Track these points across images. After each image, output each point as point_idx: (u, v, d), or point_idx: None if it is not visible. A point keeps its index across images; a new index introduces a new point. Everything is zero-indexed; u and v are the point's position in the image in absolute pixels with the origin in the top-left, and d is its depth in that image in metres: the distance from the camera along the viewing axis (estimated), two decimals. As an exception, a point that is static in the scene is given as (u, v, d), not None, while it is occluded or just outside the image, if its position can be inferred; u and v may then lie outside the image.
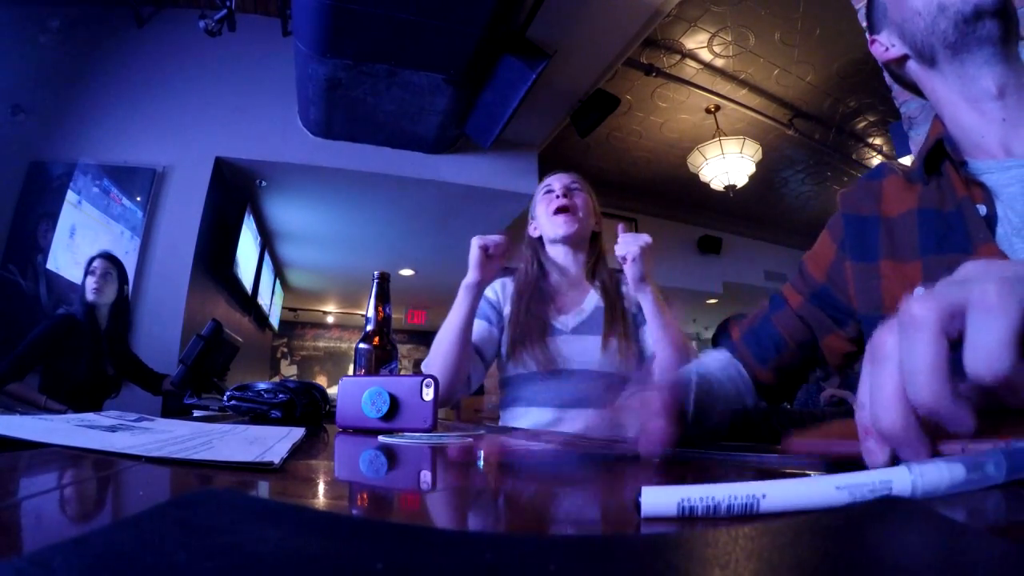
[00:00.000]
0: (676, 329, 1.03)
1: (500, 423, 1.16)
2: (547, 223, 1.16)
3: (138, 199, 2.83)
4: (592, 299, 1.13)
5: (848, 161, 4.67)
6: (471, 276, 0.99)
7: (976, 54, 0.56)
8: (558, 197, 1.14)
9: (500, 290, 1.18)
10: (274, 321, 5.44)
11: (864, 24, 0.74)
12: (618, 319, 1.09)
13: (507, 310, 1.15)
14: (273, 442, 0.41)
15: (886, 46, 0.65)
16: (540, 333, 1.08)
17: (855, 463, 0.27)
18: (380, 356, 0.82)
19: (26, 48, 2.74)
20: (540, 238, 1.20)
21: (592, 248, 1.20)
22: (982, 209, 0.55)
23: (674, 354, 1.00)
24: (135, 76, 2.96)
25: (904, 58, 0.64)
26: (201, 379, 1.66)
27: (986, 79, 0.57)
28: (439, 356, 1.00)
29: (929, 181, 0.61)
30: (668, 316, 1.02)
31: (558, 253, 1.17)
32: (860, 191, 0.69)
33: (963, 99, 0.59)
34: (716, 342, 2.23)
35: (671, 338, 1.01)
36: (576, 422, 1.03)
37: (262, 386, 0.78)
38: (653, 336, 1.04)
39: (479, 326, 1.13)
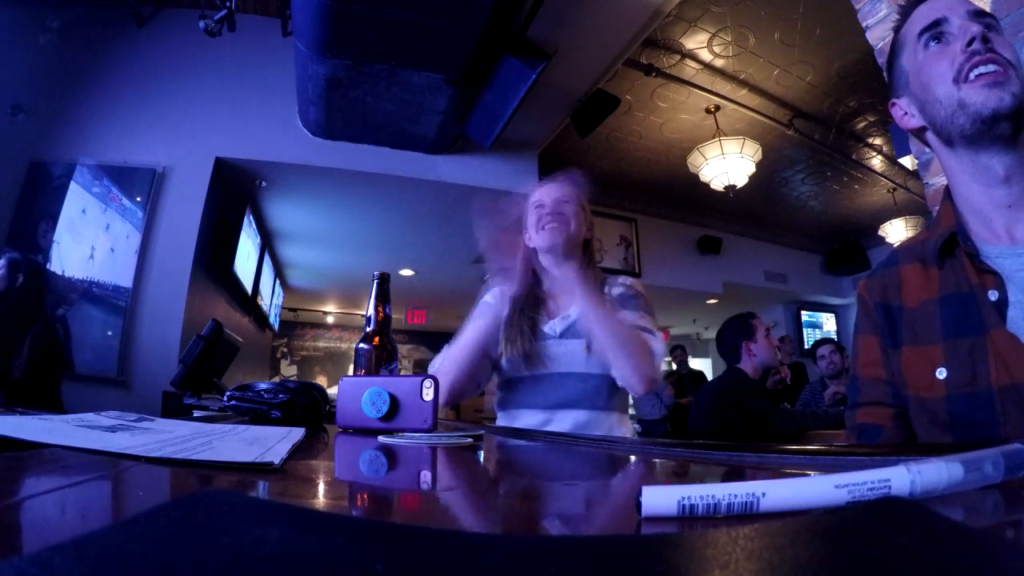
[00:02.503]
0: (615, 324, 1.01)
1: (496, 424, 1.18)
2: (535, 235, 1.18)
3: (138, 199, 2.83)
4: None
5: (848, 161, 4.67)
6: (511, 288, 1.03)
7: (989, 148, 0.61)
8: (547, 215, 1.15)
9: (499, 296, 1.22)
10: (274, 321, 5.44)
11: (885, 77, 0.76)
12: None
13: (504, 314, 1.18)
14: (273, 442, 0.41)
15: (905, 112, 0.69)
16: (530, 338, 1.11)
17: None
18: (380, 356, 0.82)
19: (26, 48, 2.74)
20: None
21: (583, 254, 1.21)
22: (993, 295, 0.59)
23: (624, 359, 0.99)
24: (135, 76, 2.95)
25: (923, 128, 0.68)
26: (201, 379, 1.65)
27: (996, 167, 0.61)
28: (456, 360, 1.05)
29: (944, 265, 0.65)
30: (603, 308, 1.01)
31: (550, 262, 1.19)
32: (881, 280, 0.73)
33: (974, 181, 0.63)
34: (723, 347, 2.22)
35: (613, 335, 0.99)
36: (564, 423, 1.06)
37: (262, 386, 0.78)
38: (590, 336, 1.03)
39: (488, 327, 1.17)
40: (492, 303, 1.20)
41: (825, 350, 2.92)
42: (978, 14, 0.62)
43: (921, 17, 0.66)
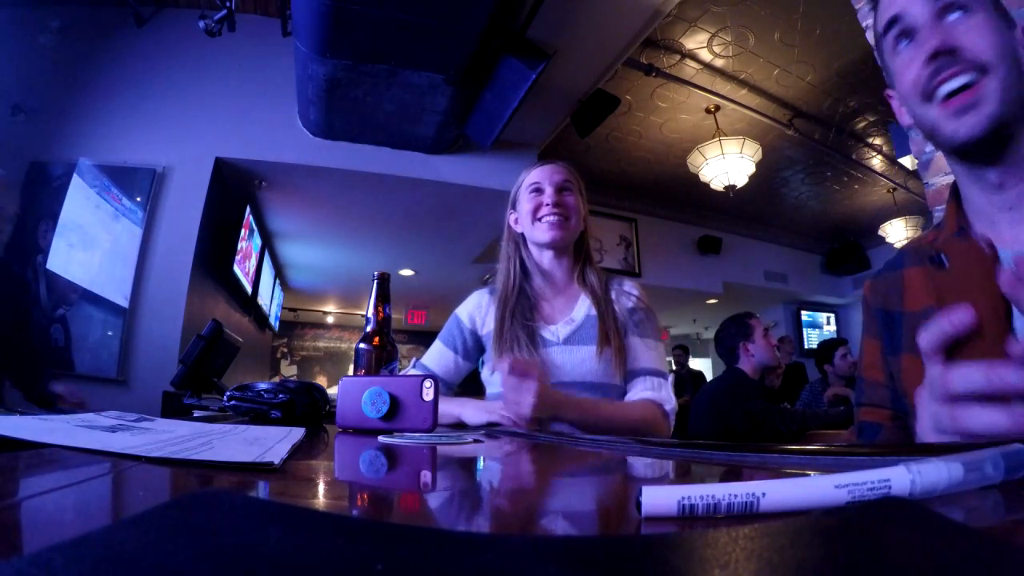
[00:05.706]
0: (622, 413, 0.96)
1: None
2: (530, 226, 1.07)
3: (138, 199, 2.83)
4: (583, 307, 1.06)
5: (848, 161, 4.67)
6: (477, 417, 0.91)
7: (976, 159, 0.58)
8: (547, 204, 1.05)
9: (479, 314, 1.12)
10: (274, 321, 5.44)
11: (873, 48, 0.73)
12: (611, 329, 1.02)
13: (486, 330, 1.09)
14: (273, 442, 0.41)
15: (901, 105, 0.66)
16: (528, 347, 1.01)
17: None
18: (380, 356, 0.82)
19: (26, 48, 2.74)
20: (523, 233, 1.11)
21: (578, 249, 1.11)
22: None
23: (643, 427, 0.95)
24: (135, 76, 2.95)
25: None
26: (201, 379, 1.65)
27: (989, 175, 0.58)
28: None
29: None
30: (606, 411, 0.94)
31: (542, 257, 1.09)
32: (884, 283, 0.70)
33: (971, 184, 0.61)
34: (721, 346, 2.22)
35: (628, 429, 0.93)
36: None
37: (262, 386, 0.78)
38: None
39: (444, 355, 1.10)
40: (467, 325, 1.11)
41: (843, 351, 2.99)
42: None
43: (883, 8, 0.61)
